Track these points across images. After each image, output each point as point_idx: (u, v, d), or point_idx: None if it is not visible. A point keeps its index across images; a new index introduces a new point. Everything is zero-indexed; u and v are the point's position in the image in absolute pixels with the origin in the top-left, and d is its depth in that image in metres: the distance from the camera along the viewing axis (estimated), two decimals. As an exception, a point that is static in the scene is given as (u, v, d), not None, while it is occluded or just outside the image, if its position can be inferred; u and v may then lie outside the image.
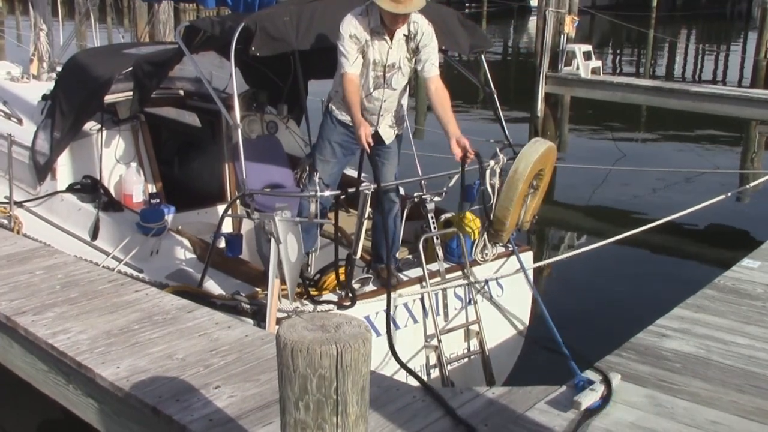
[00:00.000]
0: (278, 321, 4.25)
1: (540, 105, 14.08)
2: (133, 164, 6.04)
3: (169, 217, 5.51)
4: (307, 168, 5.61)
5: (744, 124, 14.08)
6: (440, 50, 5.01)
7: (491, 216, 4.93)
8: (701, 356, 4.03)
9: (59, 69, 7.24)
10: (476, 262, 5.10)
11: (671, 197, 10.36)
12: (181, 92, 6.85)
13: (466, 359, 5.04)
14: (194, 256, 5.22)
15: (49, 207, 6.07)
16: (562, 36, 14.01)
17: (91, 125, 5.98)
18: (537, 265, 6.00)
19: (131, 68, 5.67)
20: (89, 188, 5.88)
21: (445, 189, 5.13)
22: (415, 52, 4.62)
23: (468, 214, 5.20)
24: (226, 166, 6.18)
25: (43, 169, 6.12)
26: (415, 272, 4.94)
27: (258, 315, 4.41)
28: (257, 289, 4.60)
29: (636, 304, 6.83)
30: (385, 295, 4.59)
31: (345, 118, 4.69)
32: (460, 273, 5.01)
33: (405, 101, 4.96)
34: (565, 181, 10.88)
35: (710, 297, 4.83)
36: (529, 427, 3.34)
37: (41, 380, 4.07)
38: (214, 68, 6.28)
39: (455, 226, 5.12)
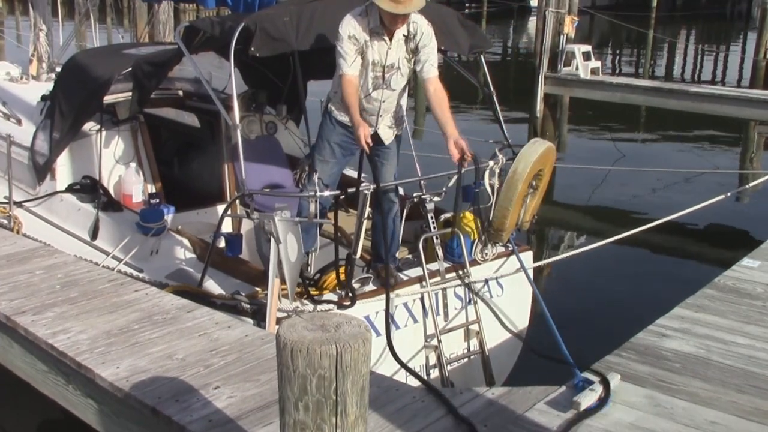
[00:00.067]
0: (278, 321, 4.25)
1: (539, 105, 14.09)
2: (133, 164, 6.05)
3: (169, 217, 5.51)
4: (307, 168, 5.61)
5: (743, 124, 14.09)
6: (440, 50, 5.01)
7: (485, 218, 4.93)
8: (701, 356, 4.03)
9: (59, 69, 7.24)
10: (476, 261, 5.10)
11: (671, 197, 10.37)
12: (181, 93, 6.85)
13: (466, 359, 5.04)
14: (194, 255, 5.22)
15: (48, 207, 6.07)
16: (561, 36, 14.02)
17: (90, 125, 5.98)
18: (537, 264, 6.00)
19: (131, 69, 5.67)
20: (89, 188, 5.88)
21: (444, 189, 5.13)
22: (415, 52, 4.62)
23: (468, 214, 5.20)
24: (226, 166, 6.18)
25: (42, 170, 6.12)
26: (415, 272, 4.94)
27: (258, 315, 4.41)
28: (257, 288, 4.61)
29: (636, 304, 6.83)
30: (384, 295, 4.59)
31: (344, 118, 4.69)
32: (459, 273, 5.00)
33: (404, 102, 4.96)
34: (565, 182, 10.88)
35: (710, 297, 4.83)
36: (528, 427, 3.34)
37: (41, 380, 4.07)
38: (213, 69, 6.28)
39: (455, 226, 5.12)
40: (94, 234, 5.62)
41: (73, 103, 5.89)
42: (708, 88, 14.11)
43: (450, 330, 4.93)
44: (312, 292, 4.63)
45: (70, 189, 5.97)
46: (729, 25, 38.84)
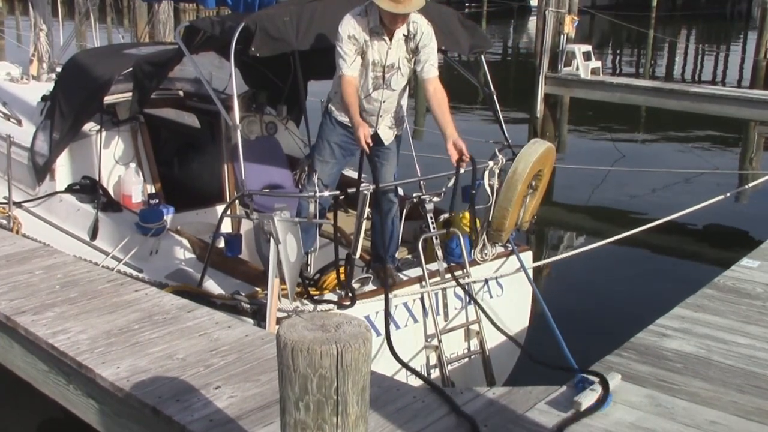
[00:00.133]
0: (278, 321, 4.25)
1: (539, 105, 14.08)
2: (132, 165, 6.05)
3: (169, 218, 5.52)
4: (306, 168, 5.61)
5: (743, 124, 14.08)
6: (440, 50, 5.01)
7: (485, 218, 4.93)
8: (701, 356, 4.03)
9: (59, 69, 7.25)
10: (476, 262, 5.10)
11: (671, 197, 10.37)
12: (181, 93, 6.85)
13: (466, 359, 5.04)
14: (194, 255, 5.22)
15: (48, 207, 6.07)
16: (561, 36, 14.01)
17: (90, 126, 5.99)
18: (536, 264, 6.00)
19: (131, 69, 5.67)
20: (88, 189, 5.88)
21: (444, 189, 5.13)
22: (415, 52, 4.62)
23: (467, 215, 5.20)
24: (225, 166, 6.18)
25: (42, 170, 6.12)
26: (414, 272, 4.94)
27: (258, 315, 4.41)
28: (257, 288, 4.61)
29: (636, 304, 6.82)
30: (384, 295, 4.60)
31: (344, 118, 4.69)
32: (459, 273, 5.01)
33: (404, 102, 4.96)
34: (565, 182, 10.88)
35: (710, 296, 4.83)
36: (529, 427, 3.34)
37: (41, 380, 4.07)
38: (213, 69, 6.29)
39: (454, 226, 5.12)
40: (94, 234, 5.62)
41: (73, 103, 5.89)
42: (708, 88, 14.10)
43: (450, 330, 4.93)
44: (312, 292, 4.63)
45: (69, 189, 5.97)
46: (729, 25, 38.84)
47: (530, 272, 5.35)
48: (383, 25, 4.49)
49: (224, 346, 3.86)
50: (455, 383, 4.72)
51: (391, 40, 4.55)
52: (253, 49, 4.61)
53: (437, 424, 3.30)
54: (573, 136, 15.05)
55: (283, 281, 4.32)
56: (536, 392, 3.60)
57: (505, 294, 5.30)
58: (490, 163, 4.92)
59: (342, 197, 4.78)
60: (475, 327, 5.04)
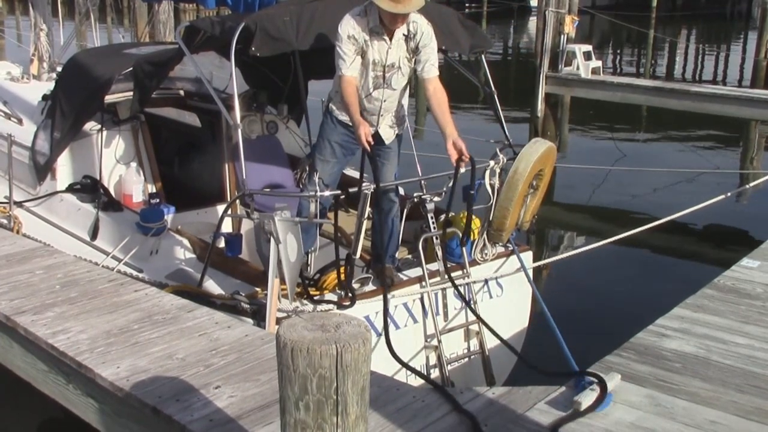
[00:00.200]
0: (278, 321, 4.26)
1: (540, 105, 14.08)
2: (133, 164, 6.05)
3: (169, 217, 5.52)
4: (307, 168, 5.62)
5: (744, 124, 14.09)
6: (440, 50, 5.01)
7: (485, 219, 4.94)
8: (701, 356, 4.03)
9: (59, 69, 7.25)
10: (476, 261, 5.10)
11: (671, 197, 10.36)
12: (181, 92, 6.85)
13: (466, 359, 5.04)
14: (194, 255, 5.22)
15: (48, 207, 6.07)
16: (562, 36, 14.00)
17: (91, 125, 5.99)
18: (536, 264, 6.00)
19: (131, 68, 5.67)
20: (89, 188, 5.88)
21: (444, 189, 5.13)
22: (415, 52, 4.62)
23: (471, 215, 5.19)
24: (226, 166, 6.18)
25: (43, 169, 6.12)
26: (414, 272, 4.94)
27: (258, 315, 4.41)
28: (257, 288, 4.61)
29: (636, 304, 6.83)
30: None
31: (345, 118, 4.69)
32: (459, 273, 5.01)
33: (405, 101, 4.96)
34: (565, 181, 10.89)
35: (710, 297, 4.83)
36: (529, 427, 3.34)
37: (41, 380, 4.07)
38: (214, 68, 6.29)
39: (455, 226, 5.12)
40: (94, 234, 5.62)
41: (73, 102, 5.89)
42: (709, 87, 14.09)
43: (450, 330, 4.94)
44: (312, 292, 4.63)
45: (70, 189, 5.98)
46: (729, 25, 38.82)
47: (530, 272, 5.34)
48: (383, 24, 4.49)
49: (224, 346, 3.86)
50: (455, 383, 4.72)
51: (391, 39, 4.55)
52: (253, 48, 4.61)
53: (437, 424, 3.30)
54: (574, 135, 15.05)
55: (283, 281, 4.32)
56: (536, 392, 3.60)
57: (505, 294, 5.30)
58: (491, 163, 4.92)
59: (343, 197, 4.78)
60: (474, 327, 5.04)
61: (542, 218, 6.91)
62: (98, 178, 5.92)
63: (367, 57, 4.55)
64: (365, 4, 4.51)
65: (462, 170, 4.66)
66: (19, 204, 6.12)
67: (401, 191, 5.48)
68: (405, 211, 5.14)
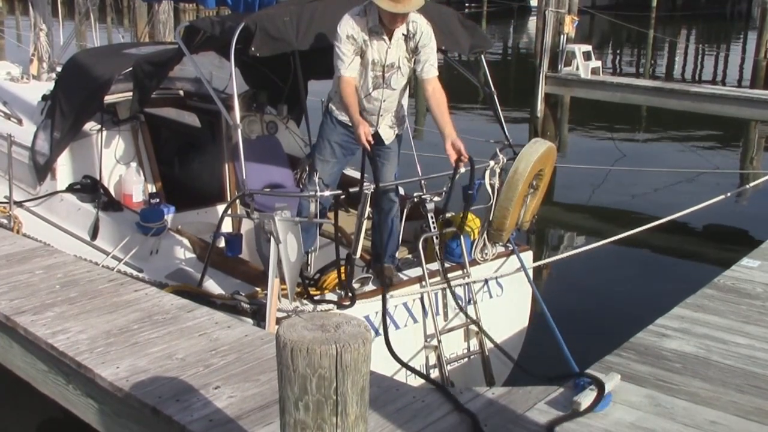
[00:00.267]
0: (278, 321, 4.25)
1: (540, 105, 14.08)
2: (133, 164, 6.05)
3: (169, 217, 5.52)
4: (307, 168, 5.61)
5: (744, 124, 14.08)
6: (440, 50, 5.01)
7: (485, 219, 4.94)
8: (701, 356, 4.03)
9: (59, 69, 7.25)
10: (476, 261, 5.10)
11: (671, 197, 10.36)
12: (181, 92, 6.85)
13: (466, 359, 5.04)
14: (194, 255, 5.22)
15: (48, 207, 6.07)
16: (561, 36, 14.01)
17: (91, 125, 5.99)
18: (536, 264, 6.00)
19: (131, 68, 5.67)
20: (89, 188, 5.88)
21: (444, 189, 5.14)
22: (414, 51, 4.62)
23: (469, 214, 5.19)
24: (226, 166, 6.18)
25: (42, 169, 6.12)
26: (415, 272, 4.94)
27: (258, 315, 4.41)
28: (257, 288, 4.61)
29: (636, 304, 6.82)
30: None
31: (345, 118, 4.69)
32: (459, 273, 5.01)
33: (405, 101, 4.96)
34: (565, 181, 10.88)
35: (710, 296, 4.83)
36: (529, 427, 3.34)
37: (41, 380, 4.06)
38: (214, 68, 6.29)
39: (455, 226, 5.12)
40: (94, 234, 5.62)
41: (73, 102, 5.89)
42: (708, 88, 14.10)
43: (450, 330, 4.93)
44: (312, 292, 4.63)
45: (70, 189, 5.97)
46: (729, 25, 38.82)
47: (530, 272, 5.34)
48: (382, 24, 4.49)
49: (224, 346, 3.86)
50: (455, 383, 4.72)
51: (390, 39, 4.55)
52: (253, 48, 4.61)
53: (437, 424, 3.30)
54: (573, 135, 15.05)
55: (283, 281, 4.32)
56: (536, 392, 3.60)
57: (505, 294, 5.30)
58: (491, 163, 4.92)
59: (342, 197, 4.78)
60: (474, 327, 5.04)
61: (542, 218, 6.91)
62: (98, 178, 5.91)
63: (366, 57, 4.55)
64: (365, 3, 4.51)
65: (462, 170, 4.66)
66: (19, 204, 6.12)
67: (401, 191, 5.47)
68: (405, 211, 5.15)
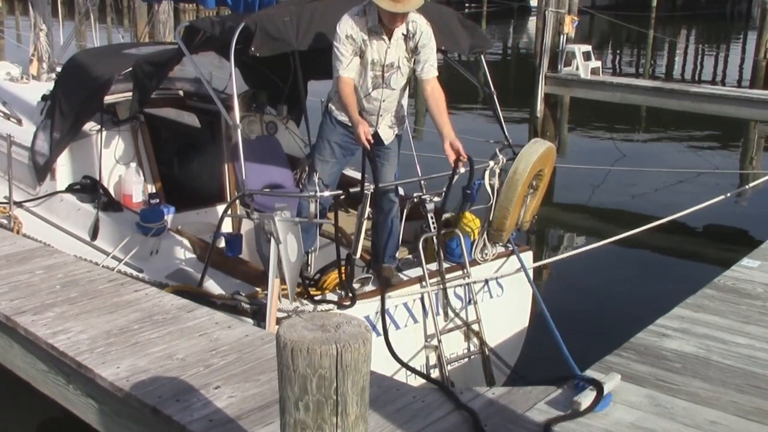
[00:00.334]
0: (278, 321, 4.25)
1: (539, 105, 14.08)
2: (133, 164, 6.05)
3: (169, 217, 5.52)
4: (307, 168, 5.61)
5: (743, 124, 14.08)
6: (440, 50, 5.01)
7: (485, 219, 4.94)
8: (701, 356, 4.03)
9: (59, 69, 7.25)
10: (476, 262, 5.10)
11: (671, 197, 10.37)
12: (181, 93, 6.85)
13: (466, 359, 5.04)
14: (194, 255, 5.22)
15: (48, 207, 6.07)
16: (561, 36, 14.01)
17: (90, 125, 5.99)
18: (537, 264, 6.00)
19: (131, 68, 5.67)
20: (89, 188, 5.88)
21: (444, 189, 5.14)
22: (414, 51, 4.62)
23: (467, 214, 5.20)
24: (226, 166, 6.18)
25: (42, 170, 6.12)
26: (415, 272, 4.94)
27: (258, 315, 4.41)
28: (257, 288, 4.61)
29: (636, 304, 6.83)
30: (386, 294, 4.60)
31: (344, 118, 4.69)
32: (459, 273, 5.01)
33: (405, 102, 4.96)
34: (565, 181, 10.88)
35: (710, 297, 4.83)
36: (529, 427, 3.34)
37: (41, 380, 4.07)
38: (213, 68, 6.29)
39: (455, 227, 5.12)
40: (94, 234, 5.62)
41: (73, 103, 5.89)
42: (708, 88, 14.10)
43: (450, 330, 4.93)
44: (312, 292, 4.63)
45: (70, 189, 5.97)
46: (729, 25, 38.81)
47: (530, 272, 5.34)
48: (382, 24, 4.48)
49: (224, 346, 3.86)
50: (455, 383, 4.72)
51: (390, 39, 4.55)
52: (253, 49, 4.61)
53: (437, 424, 3.30)
54: (573, 135, 15.06)
55: (283, 281, 4.32)
56: (536, 392, 3.60)
57: (506, 294, 5.30)
58: (491, 163, 4.93)
59: (342, 197, 4.78)
60: (475, 327, 5.04)
61: (542, 218, 6.91)
62: (98, 178, 5.91)
63: (365, 57, 4.55)
64: (364, 3, 4.51)
65: (462, 170, 4.66)
66: (19, 204, 6.12)
67: (401, 191, 5.47)
68: (405, 211, 5.15)
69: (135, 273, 5.11)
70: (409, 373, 4.49)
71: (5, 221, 5.92)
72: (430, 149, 6.99)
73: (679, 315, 4.55)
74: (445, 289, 4.91)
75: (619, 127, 15.41)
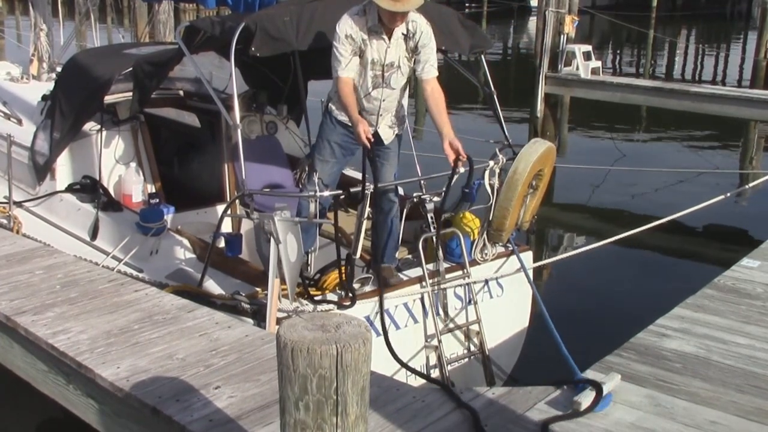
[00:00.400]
0: (278, 321, 4.26)
1: (540, 105, 14.08)
2: (133, 164, 6.05)
3: (169, 217, 5.51)
4: (307, 168, 5.61)
5: (743, 124, 14.08)
6: (440, 50, 5.01)
7: (485, 219, 4.94)
8: (701, 356, 4.04)
9: (59, 69, 7.25)
10: (476, 262, 5.10)
11: (671, 197, 10.36)
12: (181, 93, 6.85)
13: (466, 359, 5.04)
14: (194, 255, 5.22)
15: (48, 207, 6.07)
16: (561, 36, 14.00)
17: (90, 125, 5.99)
18: (537, 264, 6.00)
19: (131, 68, 5.67)
20: (89, 188, 5.88)
21: (444, 189, 5.14)
22: (414, 51, 4.62)
23: (467, 214, 5.20)
24: (226, 166, 6.18)
25: (42, 169, 6.12)
26: (415, 272, 4.94)
27: (258, 315, 4.41)
28: (257, 288, 4.61)
29: (636, 304, 6.83)
30: (385, 295, 4.60)
31: (344, 118, 4.69)
32: (459, 273, 5.01)
33: (405, 101, 4.96)
34: (565, 181, 10.88)
35: (710, 297, 4.83)
36: (529, 427, 3.34)
37: (41, 380, 4.07)
38: (213, 68, 6.29)
39: (455, 227, 5.12)
40: (94, 234, 5.62)
41: (73, 102, 5.89)
42: (708, 88, 14.09)
43: (450, 330, 4.94)
44: (312, 292, 4.63)
45: (70, 189, 5.97)
46: (729, 25, 38.81)
47: (530, 272, 5.34)
48: (382, 23, 4.48)
49: (224, 346, 3.86)
50: (455, 383, 4.71)
51: (389, 39, 4.55)
52: (253, 49, 4.61)
53: (437, 424, 3.30)
54: (573, 135, 15.05)
55: (283, 281, 4.32)
56: (536, 392, 3.60)
57: (505, 294, 5.30)
58: (491, 163, 4.92)
59: (342, 197, 4.78)
60: (475, 327, 5.04)
61: (542, 218, 6.91)
62: (98, 178, 5.91)
63: (365, 56, 4.55)
64: (364, 3, 4.51)
65: (461, 170, 4.66)
66: (19, 204, 6.12)
67: (401, 191, 5.47)
68: (405, 211, 5.15)
69: (135, 273, 5.11)
70: (409, 373, 4.49)
71: (5, 221, 5.92)
72: (430, 149, 6.99)
73: (679, 315, 4.55)
74: (445, 289, 4.91)
75: (619, 127, 15.41)
